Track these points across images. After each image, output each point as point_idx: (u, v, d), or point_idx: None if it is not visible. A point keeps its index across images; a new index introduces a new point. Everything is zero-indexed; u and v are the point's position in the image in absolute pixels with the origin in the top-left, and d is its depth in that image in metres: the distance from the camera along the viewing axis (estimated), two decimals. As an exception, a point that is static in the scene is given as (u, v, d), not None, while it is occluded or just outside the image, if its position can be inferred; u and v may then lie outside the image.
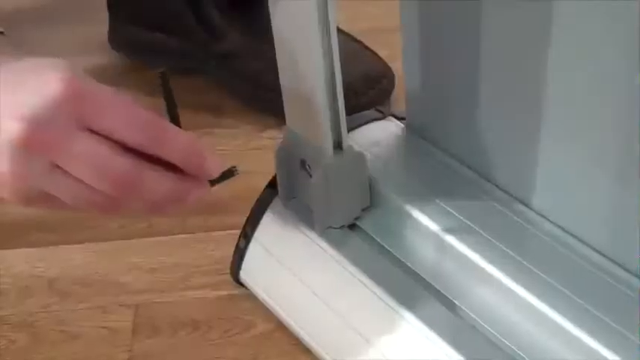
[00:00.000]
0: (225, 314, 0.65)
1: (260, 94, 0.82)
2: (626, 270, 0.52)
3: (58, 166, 0.45)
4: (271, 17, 0.54)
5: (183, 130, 0.47)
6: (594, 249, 0.53)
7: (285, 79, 0.57)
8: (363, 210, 0.61)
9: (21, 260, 0.71)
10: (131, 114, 0.45)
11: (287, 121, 0.59)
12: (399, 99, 0.81)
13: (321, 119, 0.55)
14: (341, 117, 0.56)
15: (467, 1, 0.54)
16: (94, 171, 0.45)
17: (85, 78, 0.45)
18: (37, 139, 0.44)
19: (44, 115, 0.44)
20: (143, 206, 0.48)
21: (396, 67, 0.82)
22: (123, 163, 0.45)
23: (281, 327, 0.62)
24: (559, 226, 0.55)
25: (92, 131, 0.45)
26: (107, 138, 0.45)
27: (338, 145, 0.57)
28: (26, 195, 0.47)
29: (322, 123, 0.55)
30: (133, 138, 0.45)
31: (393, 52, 0.84)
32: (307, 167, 0.59)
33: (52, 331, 0.66)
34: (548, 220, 0.56)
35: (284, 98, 0.58)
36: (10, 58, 0.47)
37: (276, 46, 0.56)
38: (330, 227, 0.60)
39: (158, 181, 0.46)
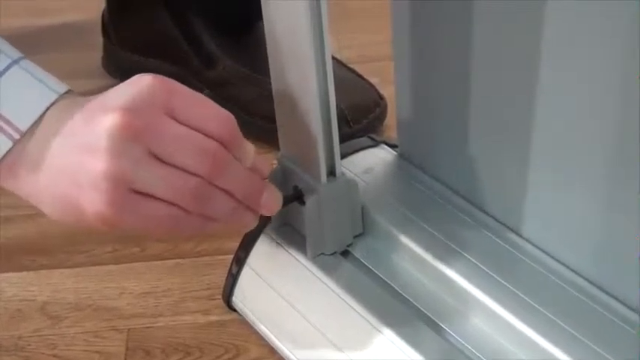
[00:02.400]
0: (217, 339, 0.65)
1: (252, 121, 0.82)
2: (613, 297, 0.53)
3: (153, 155, 0.48)
4: (267, 44, 0.55)
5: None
6: (584, 277, 0.54)
7: (279, 107, 0.58)
8: (355, 237, 0.61)
9: (13, 284, 0.72)
10: (214, 110, 0.51)
11: (281, 148, 0.60)
12: (390, 126, 0.82)
13: (315, 147, 0.56)
14: (335, 145, 0.57)
15: (458, 33, 0.54)
16: (190, 151, 0.49)
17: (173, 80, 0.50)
18: (134, 125, 0.47)
19: (139, 104, 0.48)
20: (224, 205, 0.51)
21: (387, 94, 0.83)
22: (214, 144, 0.50)
23: (273, 352, 0.62)
24: (547, 254, 0.56)
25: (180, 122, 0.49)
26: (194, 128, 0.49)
27: (331, 173, 0.58)
28: (121, 202, 0.48)
29: (316, 150, 0.56)
30: (216, 130, 0.50)
31: (385, 79, 0.85)
32: (300, 194, 0.59)
33: (44, 356, 0.65)
34: (538, 247, 0.57)
35: (278, 125, 0.59)
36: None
37: (271, 73, 0.57)
38: (323, 254, 0.61)
39: (239, 169, 0.52)
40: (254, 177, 0.53)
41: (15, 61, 0.50)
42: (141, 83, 0.49)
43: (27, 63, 0.51)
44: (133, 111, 0.47)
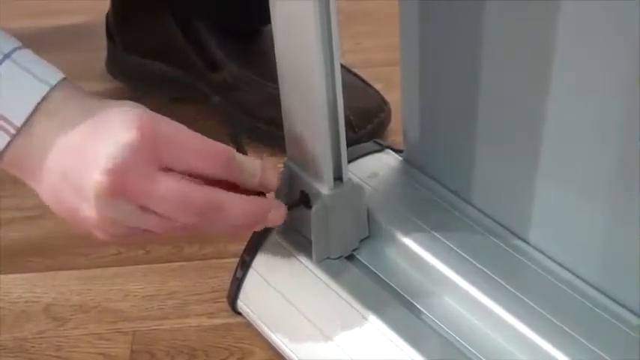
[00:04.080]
0: (222, 342, 0.65)
1: (257, 126, 0.83)
2: (617, 302, 0.53)
3: (143, 207, 0.49)
4: (275, 49, 0.55)
5: (253, 158, 0.53)
6: (590, 284, 0.54)
7: (287, 111, 0.58)
8: (361, 241, 0.62)
9: (17, 285, 0.72)
10: (203, 148, 0.50)
11: (287, 153, 0.60)
12: (394, 131, 0.83)
13: (322, 152, 0.56)
14: (342, 150, 0.57)
15: (465, 38, 0.55)
16: (177, 207, 0.49)
17: (155, 117, 0.49)
18: (122, 189, 0.48)
19: (125, 165, 0.48)
20: (225, 229, 0.53)
21: (392, 99, 0.84)
22: (202, 194, 0.50)
23: (278, 356, 0.63)
24: (554, 260, 0.56)
25: (170, 169, 0.49)
26: (184, 173, 0.49)
27: (338, 177, 0.58)
28: (114, 233, 0.51)
29: (323, 155, 0.56)
30: (208, 170, 0.50)
31: (388, 84, 0.85)
32: (307, 198, 0.59)
33: (49, 357, 0.66)
34: (543, 253, 0.57)
35: (285, 130, 0.59)
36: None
37: (279, 78, 0.57)
38: (328, 258, 0.61)
39: (237, 206, 0.51)
40: (256, 203, 0.53)
41: (7, 55, 0.50)
42: (127, 137, 0.48)
43: (20, 54, 0.51)
44: (120, 174, 0.48)
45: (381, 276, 0.60)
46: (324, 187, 0.58)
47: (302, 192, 0.60)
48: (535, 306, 0.53)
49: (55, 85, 0.51)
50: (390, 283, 0.59)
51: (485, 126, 0.57)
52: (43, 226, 0.77)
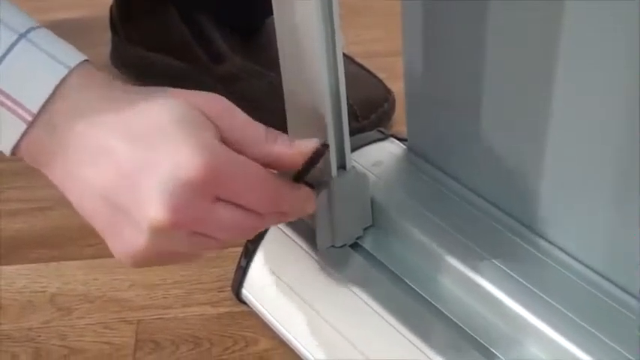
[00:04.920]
0: (226, 331, 0.66)
1: (260, 117, 0.82)
2: (622, 289, 0.53)
3: (195, 232, 0.47)
4: (277, 39, 0.55)
5: (299, 186, 0.52)
6: (595, 271, 0.54)
7: (289, 101, 0.58)
8: (365, 229, 0.62)
9: (23, 276, 0.72)
10: (257, 185, 0.48)
11: (291, 142, 0.60)
12: (398, 121, 0.83)
13: (325, 140, 0.56)
14: (345, 138, 0.57)
15: (468, 26, 0.55)
16: (229, 233, 0.49)
17: (213, 145, 0.46)
18: (181, 224, 0.46)
19: (186, 202, 0.45)
20: None
21: (395, 89, 0.84)
22: (252, 222, 0.49)
23: (282, 344, 0.63)
24: (557, 246, 0.56)
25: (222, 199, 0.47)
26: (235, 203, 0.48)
27: (341, 166, 0.58)
28: (144, 259, 0.48)
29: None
30: (258, 207, 0.49)
31: (392, 74, 0.85)
32: (311, 187, 0.59)
33: (54, 347, 0.66)
34: (548, 240, 0.57)
35: (288, 120, 0.59)
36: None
37: (281, 68, 0.57)
38: (332, 246, 0.61)
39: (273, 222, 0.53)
40: (298, 211, 0.53)
41: (22, 35, 0.46)
42: (185, 172, 0.45)
43: (37, 34, 0.47)
44: (179, 211, 0.45)
45: (385, 264, 0.60)
46: (327, 176, 0.58)
47: (306, 181, 0.60)
48: (539, 292, 0.53)
49: (75, 68, 0.47)
50: (394, 271, 0.59)
51: (488, 114, 0.57)
52: (48, 216, 0.77)
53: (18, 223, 0.77)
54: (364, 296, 0.58)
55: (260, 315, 0.64)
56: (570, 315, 0.52)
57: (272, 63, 0.57)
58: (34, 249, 0.74)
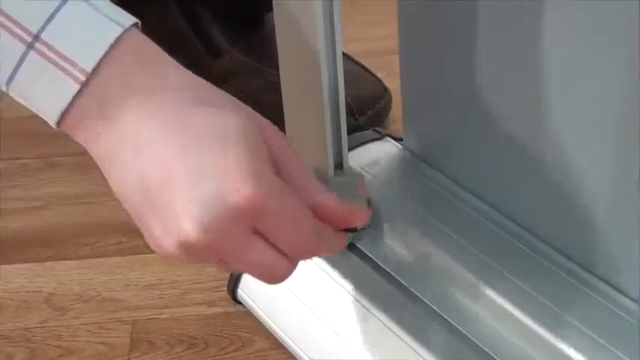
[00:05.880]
0: (222, 331, 0.66)
1: (258, 113, 0.82)
2: (617, 289, 0.53)
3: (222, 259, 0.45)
4: (277, 35, 0.55)
5: (339, 235, 0.49)
6: (596, 274, 0.54)
7: (287, 98, 0.58)
8: (361, 230, 0.61)
9: (19, 275, 0.72)
10: (301, 230, 0.45)
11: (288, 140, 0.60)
12: (395, 120, 0.82)
13: (323, 139, 0.56)
14: (342, 137, 0.57)
15: (464, 25, 0.54)
16: (254, 271, 0.46)
17: (270, 178, 0.44)
18: (210, 247, 0.43)
19: (222, 226, 0.42)
20: None
21: (393, 87, 0.83)
22: (281, 269, 0.46)
23: (278, 345, 0.63)
24: (554, 247, 0.56)
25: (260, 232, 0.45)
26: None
27: (338, 165, 0.58)
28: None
29: (324, 143, 0.56)
30: (294, 251, 0.46)
31: (390, 73, 0.85)
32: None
33: (50, 346, 0.66)
34: (545, 241, 0.56)
35: (286, 117, 0.59)
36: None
37: (280, 64, 0.57)
38: (328, 246, 0.61)
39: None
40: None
41: None
42: (233, 200, 0.42)
43: None
44: (213, 233, 0.42)
45: (381, 264, 0.59)
46: (324, 174, 0.58)
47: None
48: (535, 294, 0.53)
49: (129, 28, 0.44)
50: (390, 272, 0.59)
51: (484, 114, 0.57)
52: (45, 216, 0.77)
53: (14, 222, 0.77)
54: (359, 296, 0.58)
55: (256, 315, 0.64)
56: (569, 318, 0.52)
57: (271, 59, 0.57)
58: (30, 249, 0.74)
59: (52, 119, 0.44)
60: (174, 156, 0.43)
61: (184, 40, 0.86)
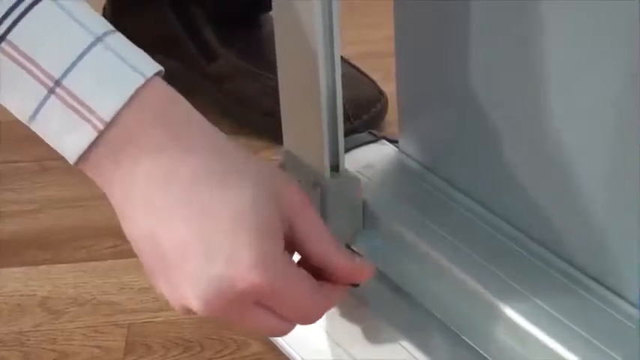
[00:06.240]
0: (217, 334, 0.65)
1: (253, 117, 0.82)
2: (616, 294, 0.53)
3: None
4: (275, 37, 0.55)
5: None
6: (594, 278, 0.54)
7: (285, 101, 0.58)
8: (356, 232, 0.61)
9: (13, 279, 0.72)
10: (303, 305, 0.48)
11: (284, 142, 0.60)
12: (391, 122, 0.82)
13: (320, 141, 0.56)
14: (339, 139, 0.57)
15: (459, 28, 0.54)
16: (258, 330, 0.51)
17: (276, 263, 0.45)
18: (209, 315, 0.45)
19: (225, 302, 0.44)
20: None
21: (389, 90, 0.83)
22: (283, 328, 0.48)
23: (273, 348, 0.62)
24: (551, 250, 0.56)
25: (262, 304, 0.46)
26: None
27: (334, 167, 0.58)
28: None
29: (321, 145, 0.56)
30: (295, 319, 0.48)
31: (387, 75, 0.85)
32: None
33: (44, 350, 0.66)
34: (541, 244, 0.56)
35: (283, 119, 0.59)
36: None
37: (278, 67, 0.57)
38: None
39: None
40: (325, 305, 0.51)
41: (99, 39, 0.43)
42: (238, 278, 0.44)
43: (113, 39, 0.44)
44: (215, 307, 0.44)
45: (376, 267, 0.59)
46: (320, 177, 0.58)
47: (298, 182, 0.59)
48: (531, 296, 0.53)
49: (151, 79, 0.44)
50: (385, 274, 0.58)
51: (480, 117, 0.57)
52: (39, 219, 0.77)
53: (8, 225, 0.77)
54: (355, 299, 0.57)
55: (251, 318, 0.64)
56: (566, 321, 0.51)
57: (267, 62, 0.57)
58: (25, 252, 0.74)
59: (70, 160, 0.44)
60: (184, 230, 0.44)
61: (178, 43, 0.86)
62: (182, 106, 0.47)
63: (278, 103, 0.58)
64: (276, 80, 0.57)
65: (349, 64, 0.86)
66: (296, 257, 0.50)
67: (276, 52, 0.56)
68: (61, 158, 0.45)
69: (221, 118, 0.85)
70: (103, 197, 0.47)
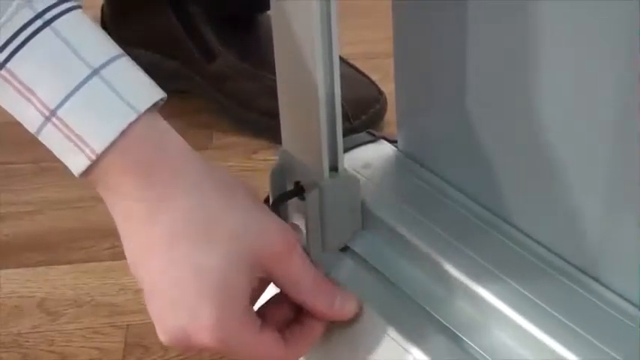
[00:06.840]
0: (216, 335, 0.65)
1: (252, 117, 0.82)
2: (616, 293, 0.53)
3: None
4: (274, 37, 0.55)
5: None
6: (593, 277, 0.53)
7: (283, 100, 0.58)
8: (355, 232, 0.61)
9: (11, 280, 0.72)
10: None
11: (283, 142, 0.60)
12: (390, 122, 0.82)
13: (319, 141, 0.56)
14: (338, 140, 0.57)
15: (458, 28, 0.54)
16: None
17: (232, 323, 0.48)
18: (177, 347, 0.49)
19: (187, 351, 0.52)
20: None
21: (388, 90, 0.83)
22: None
23: (272, 349, 0.62)
24: (549, 249, 0.56)
25: None
26: None
27: (333, 167, 0.58)
28: None
29: (320, 144, 0.56)
30: None
31: (386, 76, 0.85)
32: (302, 189, 0.59)
33: (42, 352, 0.66)
34: (536, 241, 0.56)
35: (281, 119, 0.59)
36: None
37: (276, 67, 0.56)
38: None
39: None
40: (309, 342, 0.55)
41: (95, 71, 0.45)
42: (199, 331, 0.48)
43: (112, 70, 0.45)
44: (174, 345, 0.49)
45: (375, 267, 0.59)
46: (319, 177, 0.57)
47: (297, 183, 0.59)
48: (530, 295, 0.53)
49: (144, 114, 0.46)
50: (384, 274, 0.58)
51: (479, 117, 0.56)
52: (38, 221, 0.77)
53: (7, 227, 0.77)
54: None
55: (250, 319, 0.63)
56: (565, 320, 0.51)
57: (265, 62, 0.57)
58: (23, 253, 0.74)
59: (74, 173, 0.47)
60: (158, 274, 0.47)
61: (177, 43, 0.86)
62: (172, 142, 0.48)
63: (277, 103, 0.58)
64: (275, 80, 0.57)
65: (348, 64, 0.86)
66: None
67: (275, 52, 0.56)
68: (58, 160, 0.46)
69: (221, 118, 0.86)
70: (100, 198, 0.47)
